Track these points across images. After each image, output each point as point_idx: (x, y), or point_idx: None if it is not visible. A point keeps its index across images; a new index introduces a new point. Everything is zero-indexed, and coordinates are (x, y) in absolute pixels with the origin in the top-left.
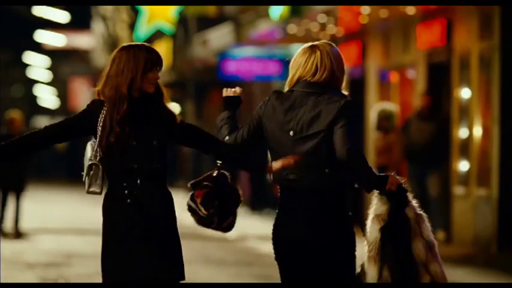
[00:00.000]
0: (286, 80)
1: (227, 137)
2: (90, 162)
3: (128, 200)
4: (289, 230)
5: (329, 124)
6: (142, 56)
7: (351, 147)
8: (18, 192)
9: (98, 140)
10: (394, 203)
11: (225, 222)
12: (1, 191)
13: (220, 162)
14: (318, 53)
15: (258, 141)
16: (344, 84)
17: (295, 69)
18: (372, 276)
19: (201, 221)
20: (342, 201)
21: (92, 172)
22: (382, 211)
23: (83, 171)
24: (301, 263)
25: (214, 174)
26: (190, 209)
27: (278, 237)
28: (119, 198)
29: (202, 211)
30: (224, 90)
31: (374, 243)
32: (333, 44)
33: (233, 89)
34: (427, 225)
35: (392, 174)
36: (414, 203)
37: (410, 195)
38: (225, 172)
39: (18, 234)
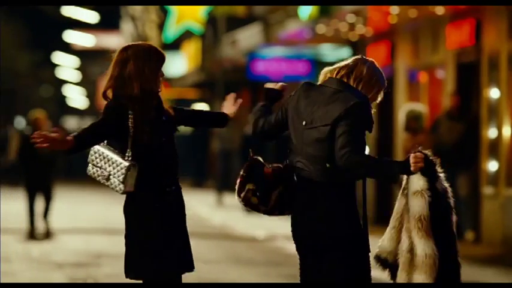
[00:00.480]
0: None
1: (256, 123)
2: (128, 164)
3: (170, 197)
4: (295, 224)
5: (334, 120)
6: (155, 55)
7: (349, 151)
8: (46, 194)
9: (131, 140)
10: (428, 178)
11: (286, 210)
12: (28, 193)
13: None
14: (357, 59)
15: (283, 129)
16: (377, 97)
17: (331, 68)
18: (425, 251)
19: (265, 212)
20: (344, 198)
21: (129, 173)
22: (421, 186)
23: (105, 175)
24: (305, 258)
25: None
26: (251, 207)
27: (291, 231)
28: (162, 195)
29: (262, 209)
30: (268, 83)
31: (423, 218)
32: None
33: (277, 83)
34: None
35: (414, 152)
36: (442, 176)
37: (438, 168)
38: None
39: (47, 235)
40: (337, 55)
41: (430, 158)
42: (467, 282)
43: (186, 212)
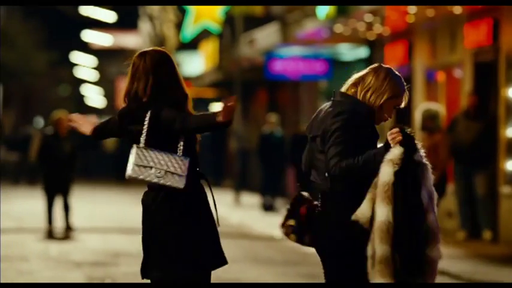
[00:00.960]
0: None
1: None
2: (188, 158)
3: (203, 194)
4: (313, 231)
5: (323, 131)
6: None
7: (337, 160)
8: (65, 194)
9: (184, 141)
10: (405, 149)
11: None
12: (47, 192)
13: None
14: (371, 68)
15: None
16: (397, 103)
17: (350, 78)
18: (381, 215)
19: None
20: (341, 207)
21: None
22: (395, 155)
23: (161, 172)
24: (323, 263)
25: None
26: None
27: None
28: (199, 192)
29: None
30: None
31: (388, 184)
32: (393, 70)
33: None
34: (430, 175)
35: (390, 131)
36: (422, 151)
37: (419, 143)
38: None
39: (67, 235)
40: (355, 55)
41: (407, 131)
42: (485, 281)
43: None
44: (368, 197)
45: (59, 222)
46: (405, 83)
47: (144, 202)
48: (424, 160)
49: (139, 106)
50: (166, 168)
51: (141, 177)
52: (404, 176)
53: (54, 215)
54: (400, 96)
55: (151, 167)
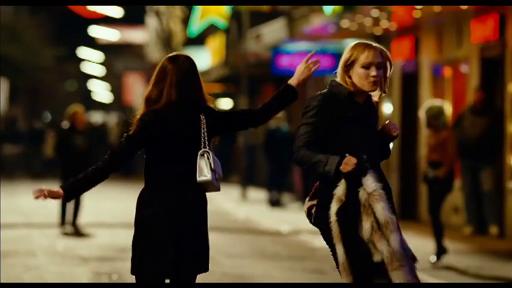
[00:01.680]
0: None
1: None
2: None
3: None
4: None
5: None
6: None
7: (295, 150)
8: None
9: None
10: (349, 183)
11: None
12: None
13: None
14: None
15: None
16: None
17: None
18: (339, 255)
19: None
20: (320, 200)
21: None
22: (339, 191)
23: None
24: None
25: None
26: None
27: None
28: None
29: None
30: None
31: (334, 223)
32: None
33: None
34: (382, 204)
35: (348, 156)
36: (371, 181)
37: (370, 174)
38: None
39: (77, 231)
40: None
41: (363, 163)
42: (491, 276)
43: (211, 207)
44: None
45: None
46: (369, 43)
47: (176, 202)
48: (374, 189)
49: (191, 110)
50: (219, 171)
51: (214, 182)
52: (346, 213)
53: (68, 211)
54: (361, 56)
55: (219, 174)
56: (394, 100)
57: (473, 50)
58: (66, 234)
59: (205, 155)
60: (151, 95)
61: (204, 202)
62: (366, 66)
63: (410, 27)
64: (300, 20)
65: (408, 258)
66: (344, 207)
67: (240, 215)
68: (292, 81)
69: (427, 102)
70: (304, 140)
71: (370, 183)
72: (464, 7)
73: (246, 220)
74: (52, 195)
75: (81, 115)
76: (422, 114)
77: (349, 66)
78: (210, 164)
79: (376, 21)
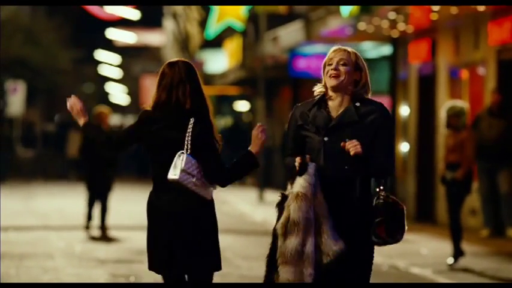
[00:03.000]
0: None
1: None
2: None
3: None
4: None
5: None
6: None
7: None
8: (106, 193)
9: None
10: (293, 181)
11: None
12: (89, 190)
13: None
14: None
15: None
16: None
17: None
18: None
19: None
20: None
21: None
22: (288, 188)
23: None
24: None
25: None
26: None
27: None
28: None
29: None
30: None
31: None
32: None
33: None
34: (299, 204)
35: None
36: (301, 182)
37: (307, 174)
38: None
39: (104, 234)
40: (379, 52)
41: (303, 164)
42: (509, 279)
43: (228, 209)
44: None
45: (97, 222)
46: (341, 47)
47: (167, 207)
48: (301, 191)
49: (180, 113)
50: (200, 177)
51: (184, 183)
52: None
53: (94, 213)
54: (328, 57)
55: (193, 176)
56: (411, 102)
57: (490, 52)
58: (93, 238)
59: (181, 156)
60: (153, 98)
61: (201, 203)
62: (329, 63)
63: (428, 29)
64: (317, 23)
65: (301, 260)
66: (279, 202)
67: (257, 217)
68: (252, 148)
69: (449, 102)
70: (287, 148)
71: (299, 183)
72: (481, 9)
73: (263, 222)
74: (78, 113)
75: (106, 116)
76: (443, 113)
77: (323, 69)
78: (181, 164)
79: (393, 24)
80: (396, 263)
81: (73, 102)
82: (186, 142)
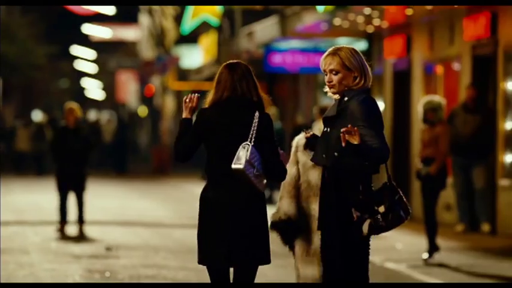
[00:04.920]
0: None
1: None
2: None
3: None
4: None
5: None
6: None
7: None
8: (79, 191)
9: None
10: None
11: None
12: (61, 189)
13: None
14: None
15: None
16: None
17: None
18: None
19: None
20: None
21: None
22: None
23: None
24: None
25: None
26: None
27: None
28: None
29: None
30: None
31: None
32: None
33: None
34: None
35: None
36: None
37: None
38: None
39: (81, 231)
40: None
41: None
42: (483, 274)
43: (196, 204)
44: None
45: (72, 218)
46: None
47: (226, 200)
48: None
49: (246, 106)
50: (260, 169)
51: (247, 172)
52: None
53: (68, 210)
54: (321, 66)
55: (254, 167)
56: (386, 98)
57: (465, 48)
58: (69, 236)
59: (246, 147)
60: (215, 94)
61: (257, 197)
62: (324, 71)
63: (403, 25)
64: (292, 18)
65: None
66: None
67: None
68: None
69: (426, 97)
70: None
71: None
72: (456, 5)
73: None
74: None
75: (75, 112)
76: (419, 108)
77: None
78: (247, 155)
79: (369, 19)
80: (371, 258)
81: (192, 98)
82: (251, 134)
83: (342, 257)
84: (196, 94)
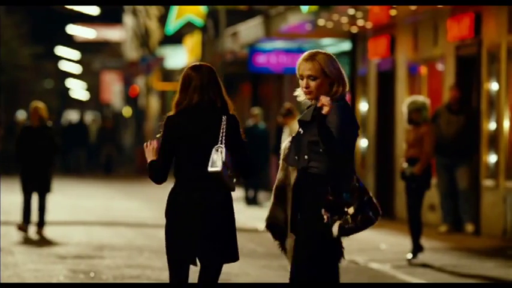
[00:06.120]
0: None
1: None
2: None
3: None
4: None
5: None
6: None
7: None
8: (43, 193)
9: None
10: None
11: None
12: (24, 190)
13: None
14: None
15: None
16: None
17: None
18: None
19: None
20: None
21: None
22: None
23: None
24: None
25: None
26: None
27: None
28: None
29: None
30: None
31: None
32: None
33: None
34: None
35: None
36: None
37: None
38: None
39: (40, 233)
40: (338, 48)
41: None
42: (467, 274)
43: None
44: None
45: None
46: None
47: (199, 201)
48: None
49: (213, 112)
50: (232, 169)
51: (223, 174)
52: None
53: (31, 213)
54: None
55: (228, 168)
56: (370, 98)
57: (449, 49)
58: (26, 237)
59: (219, 149)
60: (178, 100)
61: (227, 198)
62: (300, 76)
63: (387, 25)
64: (277, 19)
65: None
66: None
67: None
68: None
69: (410, 97)
70: None
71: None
72: (440, 6)
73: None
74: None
75: (41, 111)
76: (404, 109)
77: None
78: (222, 157)
79: (353, 20)
80: (355, 258)
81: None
82: (221, 137)
83: (310, 259)
84: (153, 140)
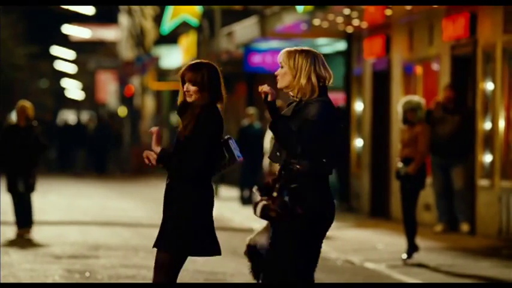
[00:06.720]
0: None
1: None
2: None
3: None
4: None
5: None
6: None
7: None
8: (27, 192)
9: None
10: None
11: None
12: (10, 190)
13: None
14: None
15: None
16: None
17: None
18: None
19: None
20: None
21: None
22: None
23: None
24: None
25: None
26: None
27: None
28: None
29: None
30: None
31: None
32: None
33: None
34: None
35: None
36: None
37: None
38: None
39: (21, 235)
40: (333, 48)
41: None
42: (462, 274)
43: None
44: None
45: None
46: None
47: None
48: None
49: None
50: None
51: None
52: None
53: (20, 215)
54: None
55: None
56: (365, 98)
57: (445, 48)
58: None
59: (231, 139)
60: (223, 95)
61: (184, 190)
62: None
63: (382, 25)
64: (272, 18)
65: None
66: None
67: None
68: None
69: (405, 97)
70: None
71: None
72: (435, 6)
73: (218, 218)
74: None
75: (28, 110)
76: (399, 108)
77: None
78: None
79: (348, 20)
80: (351, 258)
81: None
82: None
83: (274, 253)
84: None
